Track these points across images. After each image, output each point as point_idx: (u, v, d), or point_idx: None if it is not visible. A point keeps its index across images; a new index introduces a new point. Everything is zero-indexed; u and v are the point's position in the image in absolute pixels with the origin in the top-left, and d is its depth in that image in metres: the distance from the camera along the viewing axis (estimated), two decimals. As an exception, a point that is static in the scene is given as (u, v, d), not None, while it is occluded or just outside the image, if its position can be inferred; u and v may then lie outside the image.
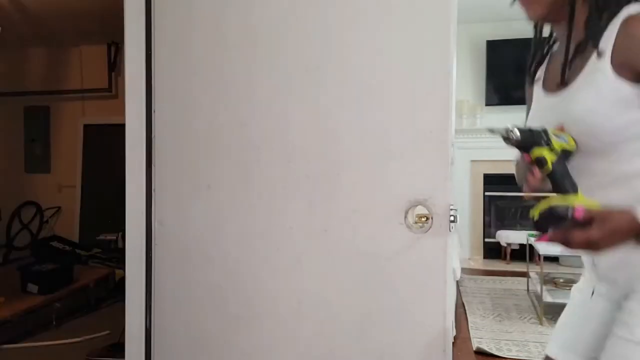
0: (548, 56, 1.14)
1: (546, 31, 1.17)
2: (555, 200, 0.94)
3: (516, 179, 1.18)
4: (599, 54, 0.93)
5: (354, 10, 1.41)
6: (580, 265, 1.15)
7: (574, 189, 0.93)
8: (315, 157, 1.46)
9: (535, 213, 0.97)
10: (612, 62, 0.91)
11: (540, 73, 1.14)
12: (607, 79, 0.91)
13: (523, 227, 5.10)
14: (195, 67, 1.57)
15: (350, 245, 1.44)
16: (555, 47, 1.13)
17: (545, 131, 0.95)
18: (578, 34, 0.98)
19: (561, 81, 0.98)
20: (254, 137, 1.51)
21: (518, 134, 0.95)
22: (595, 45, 0.94)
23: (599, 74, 0.92)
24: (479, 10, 4.55)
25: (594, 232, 0.85)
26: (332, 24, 1.44)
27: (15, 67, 5.40)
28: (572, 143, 0.94)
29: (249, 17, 1.51)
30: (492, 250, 5.12)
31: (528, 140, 0.95)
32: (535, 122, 1.06)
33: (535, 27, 1.15)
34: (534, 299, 3.82)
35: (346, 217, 1.44)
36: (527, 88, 1.20)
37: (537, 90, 1.12)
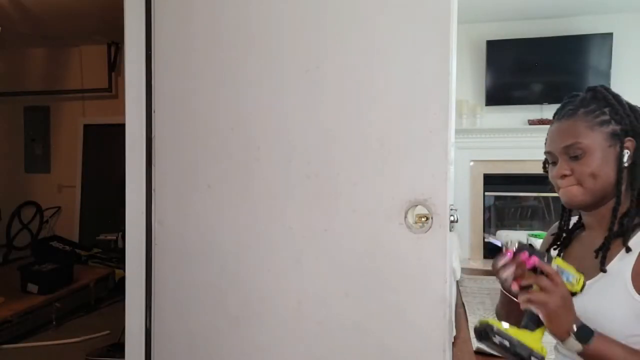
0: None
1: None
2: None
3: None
4: (628, 250, 0.95)
5: (353, 10, 1.41)
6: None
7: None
8: (315, 157, 1.46)
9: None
10: (633, 273, 0.93)
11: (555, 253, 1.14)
12: (627, 288, 0.93)
13: (523, 227, 5.10)
14: (195, 67, 1.57)
15: (350, 245, 1.44)
16: (582, 232, 1.13)
17: (549, 258, 0.95)
18: (617, 223, 0.99)
19: (602, 267, 0.98)
20: (254, 137, 1.51)
21: (515, 245, 1.01)
22: (625, 243, 0.96)
23: (621, 277, 0.94)
24: (479, 10, 4.55)
25: (564, 289, 0.90)
26: (331, 24, 1.44)
27: (15, 67, 5.41)
28: (578, 286, 0.93)
29: (248, 17, 1.51)
30: (492, 250, 5.12)
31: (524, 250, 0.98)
32: None
33: (563, 213, 1.14)
34: (534, 299, 3.81)
35: (346, 217, 1.44)
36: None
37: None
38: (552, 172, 1.05)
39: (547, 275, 0.92)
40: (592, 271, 0.99)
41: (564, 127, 1.02)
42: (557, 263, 0.94)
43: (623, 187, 0.98)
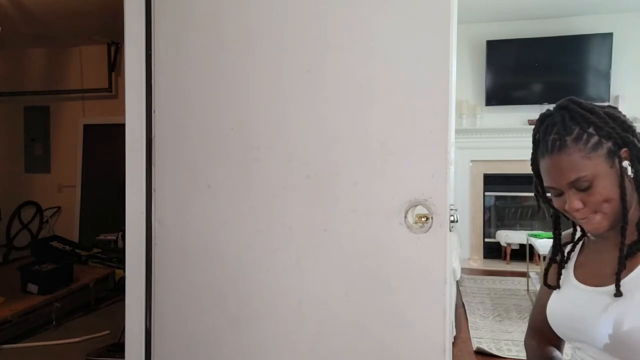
0: (576, 251, 1.12)
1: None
2: None
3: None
4: None
5: (353, 10, 1.41)
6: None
7: None
8: (315, 157, 1.46)
9: None
10: None
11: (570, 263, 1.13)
12: None
13: (523, 227, 5.10)
14: (195, 67, 1.57)
15: (350, 245, 1.44)
16: (585, 243, 1.11)
17: None
18: (630, 235, 0.97)
19: (616, 285, 0.96)
20: (254, 137, 1.51)
21: None
22: None
23: None
24: (479, 10, 4.55)
25: None
26: (330, 24, 1.44)
27: (15, 67, 5.40)
28: None
29: (248, 17, 1.51)
30: (492, 250, 5.12)
31: None
32: (566, 305, 1.05)
33: (555, 228, 1.13)
34: (533, 298, 3.82)
35: (346, 217, 1.44)
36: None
37: (567, 276, 1.10)
38: (558, 203, 1.03)
39: None
40: (613, 278, 0.98)
41: (560, 163, 0.99)
42: None
43: (631, 198, 0.97)
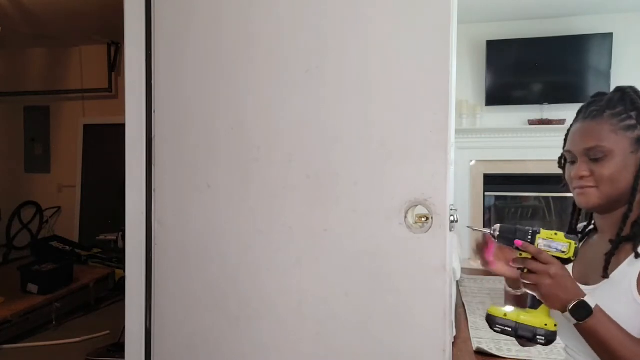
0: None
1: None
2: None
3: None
4: (637, 255, 0.94)
5: (353, 10, 1.41)
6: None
7: None
8: (315, 157, 1.46)
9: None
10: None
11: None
12: (632, 293, 0.93)
13: (523, 227, 5.08)
14: (195, 67, 1.57)
15: (350, 245, 1.44)
16: (593, 238, 1.12)
17: (534, 232, 0.93)
18: (626, 229, 0.98)
19: (603, 273, 0.98)
20: (254, 137, 1.51)
21: (498, 231, 0.96)
22: (635, 248, 0.95)
23: (627, 282, 0.94)
24: (479, 10, 4.55)
25: (552, 268, 0.90)
26: (331, 24, 1.44)
27: (15, 67, 5.41)
28: (570, 253, 0.91)
29: (248, 17, 1.51)
30: (492, 250, 5.11)
31: (508, 236, 0.96)
32: None
33: (573, 216, 1.14)
34: (534, 299, 3.81)
35: (346, 217, 1.44)
36: None
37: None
38: (570, 172, 1.04)
39: (533, 256, 0.92)
40: (598, 277, 0.99)
41: (588, 128, 1.00)
42: (542, 236, 0.92)
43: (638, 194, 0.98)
